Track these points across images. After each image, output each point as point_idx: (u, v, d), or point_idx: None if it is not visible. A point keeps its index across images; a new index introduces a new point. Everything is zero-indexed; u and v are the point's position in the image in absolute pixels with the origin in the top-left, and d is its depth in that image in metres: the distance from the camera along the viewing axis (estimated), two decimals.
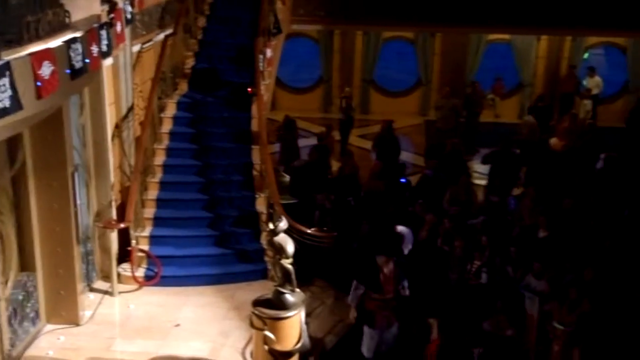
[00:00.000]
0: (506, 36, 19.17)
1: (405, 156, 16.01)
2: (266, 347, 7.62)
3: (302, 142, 15.43)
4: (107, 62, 9.67)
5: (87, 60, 8.10)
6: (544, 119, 16.68)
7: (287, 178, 13.75)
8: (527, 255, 10.02)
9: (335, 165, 14.34)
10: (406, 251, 10.72)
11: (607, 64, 20.10)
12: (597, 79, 18.17)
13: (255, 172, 11.05)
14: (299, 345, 7.78)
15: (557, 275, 9.60)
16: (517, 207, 11.80)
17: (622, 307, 8.78)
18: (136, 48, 10.91)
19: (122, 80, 10.25)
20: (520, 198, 12.30)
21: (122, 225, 9.97)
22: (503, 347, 9.32)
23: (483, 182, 13.89)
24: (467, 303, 10.18)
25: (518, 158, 13.70)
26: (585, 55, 19.57)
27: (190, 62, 12.65)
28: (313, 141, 15.19)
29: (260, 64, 11.88)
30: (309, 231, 10.04)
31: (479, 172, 14.63)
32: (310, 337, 8.38)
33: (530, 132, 15.41)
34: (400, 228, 10.91)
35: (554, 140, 14.86)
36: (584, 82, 18.30)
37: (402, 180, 13.13)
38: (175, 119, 11.60)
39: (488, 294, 10.06)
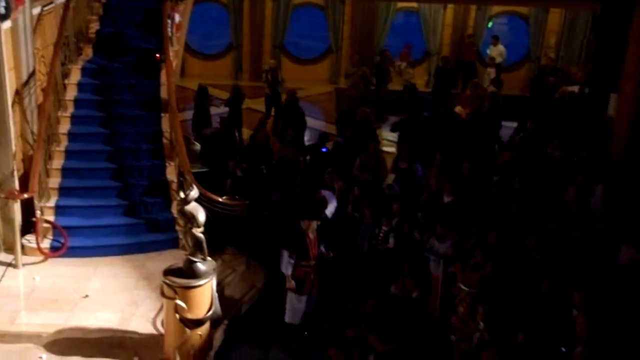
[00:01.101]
0: (414, 4, 19.39)
1: (317, 124, 16.13)
2: (177, 316, 7.67)
3: (214, 110, 15.27)
4: (5, 25, 9.33)
5: None
6: (449, 82, 17.21)
7: (198, 146, 13.63)
8: (433, 220, 10.32)
9: (246, 134, 14.30)
10: (329, 214, 10.84)
11: (510, 33, 20.66)
12: (501, 47, 18.63)
13: (165, 141, 10.90)
14: (210, 313, 7.88)
15: (461, 239, 9.93)
16: (424, 173, 12.08)
17: (524, 269, 9.13)
18: (36, 11, 10.51)
19: (22, 44, 9.87)
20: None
21: (25, 196, 9.67)
22: (410, 309, 9.64)
23: (392, 149, 14.15)
24: (375, 268, 10.46)
25: (425, 125, 13.96)
26: (489, 24, 20.05)
27: (94, 27, 12.28)
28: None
29: (169, 29, 11.65)
30: (220, 200, 10.00)
31: (389, 139, 14.87)
32: (222, 305, 8.44)
33: None
34: (324, 192, 11.04)
35: (458, 108, 15.23)
36: (488, 51, 18.78)
37: (323, 149, 13.25)
38: (80, 86, 11.26)
39: (395, 258, 10.35)
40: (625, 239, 8.95)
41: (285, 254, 9.29)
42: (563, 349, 7.66)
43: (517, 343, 7.86)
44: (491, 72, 18.01)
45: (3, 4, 8.34)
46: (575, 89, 15.52)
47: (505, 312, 8.44)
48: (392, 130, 14.38)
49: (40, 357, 7.94)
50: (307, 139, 14.75)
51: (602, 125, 12.72)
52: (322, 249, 9.54)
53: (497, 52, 18.57)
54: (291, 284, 9.27)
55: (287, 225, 10.01)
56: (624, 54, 11.72)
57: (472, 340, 8.41)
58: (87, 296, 9.05)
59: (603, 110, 13.11)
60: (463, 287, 9.09)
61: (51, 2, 11.03)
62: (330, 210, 10.93)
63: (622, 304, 7.99)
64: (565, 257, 9.11)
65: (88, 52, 11.84)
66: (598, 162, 11.18)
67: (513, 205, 10.14)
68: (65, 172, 10.51)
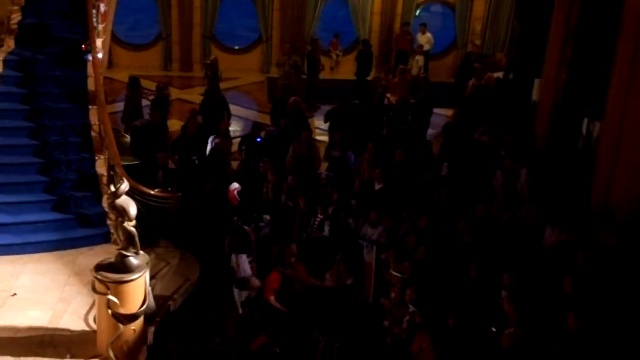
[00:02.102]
0: None
1: (250, 114, 16.05)
2: (110, 312, 7.59)
3: (145, 102, 15.01)
4: None
5: None
6: (367, 63, 17.56)
7: (128, 139, 13.41)
8: (366, 207, 10.41)
9: (176, 125, 14.11)
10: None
11: (437, 21, 20.96)
12: (429, 35, 18.93)
13: (94, 134, 10.64)
14: (144, 307, 7.81)
15: (393, 226, 10.04)
16: (357, 161, 12.15)
17: (456, 253, 9.28)
18: None
19: None
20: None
21: None
22: (344, 296, 9.71)
23: (325, 137, 14.20)
24: (310, 256, 10.49)
25: (356, 114, 14.05)
26: (417, 13, 20.30)
27: (16, 17, 11.84)
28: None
29: (94, 20, 11.36)
30: (152, 192, 9.88)
31: (321, 128, 14.90)
32: (156, 299, 8.36)
33: None
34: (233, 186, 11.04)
35: (389, 95, 15.38)
36: (417, 39, 19.00)
37: (258, 139, 13.21)
38: (3, 78, 10.89)
39: (329, 246, 10.41)
40: (550, 221, 9.16)
41: (243, 257, 9.37)
42: (494, 330, 7.82)
43: (448, 327, 7.99)
44: (420, 59, 18.26)
45: None
46: (501, 75, 15.87)
47: (436, 296, 8.58)
48: (326, 120, 14.37)
49: None
50: (239, 129, 14.67)
51: (526, 110, 13.02)
52: None
53: (425, 39, 18.85)
54: (256, 282, 9.45)
55: (232, 229, 10.16)
56: (546, 40, 12.00)
57: (403, 323, 8.54)
58: (15, 294, 8.82)
59: (527, 96, 13.43)
60: (395, 273, 9.21)
61: None
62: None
63: (549, 285, 8.20)
64: (494, 240, 9.30)
65: (10, 43, 11.44)
66: (523, 146, 11.45)
67: (442, 191, 10.28)
68: None
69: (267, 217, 10.88)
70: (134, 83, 14.63)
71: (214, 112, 14.01)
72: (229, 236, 10.30)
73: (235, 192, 10.97)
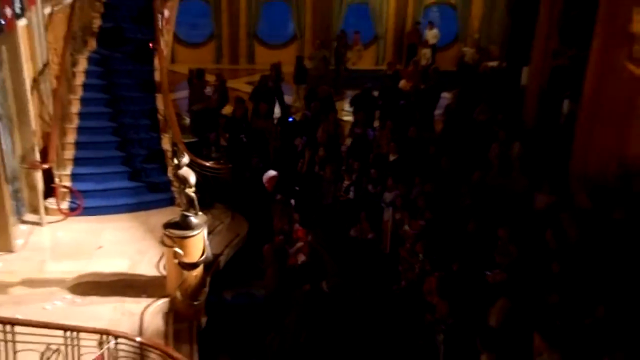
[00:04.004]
0: None
1: (286, 99, 15.96)
2: (176, 261, 7.67)
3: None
4: (22, 23, 9.07)
5: (2, 22, 7.53)
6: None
7: (187, 120, 13.50)
8: (384, 175, 10.40)
9: (227, 109, 14.11)
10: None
11: (442, 19, 20.59)
12: (435, 31, 18.61)
13: (159, 116, 10.72)
14: (203, 257, 7.88)
15: (406, 190, 10.03)
16: (374, 136, 12.12)
17: (459, 212, 9.25)
18: (47, 10, 10.19)
19: (36, 39, 9.61)
20: (378, 130, 12.65)
21: (45, 166, 9.51)
22: (366, 248, 9.76)
23: (350, 117, 14.14)
24: (338, 215, 10.55)
25: (375, 98, 13.96)
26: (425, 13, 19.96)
27: (97, 22, 11.96)
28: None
29: (160, 22, 11.40)
30: (208, 164, 9.95)
31: (346, 110, 14.83)
32: (212, 250, 8.46)
33: None
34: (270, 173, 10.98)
35: (402, 82, 15.20)
36: (425, 34, 18.74)
37: (290, 119, 13.19)
38: (87, 73, 10.99)
39: (354, 207, 10.45)
40: (540, 187, 9.06)
41: None
42: (488, 273, 7.83)
43: (452, 271, 8.03)
44: (427, 52, 18.00)
45: (18, 4, 8.08)
46: (495, 63, 15.61)
47: (443, 247, 8.59)
48: (350, 105, 14.26)
49: (65, 298, 7.92)
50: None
51: (517, 93, 12.83)
52: None
53: (432, 35, 18.56)
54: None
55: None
56: (533, 33, 11.79)
57: (415, 269, 8.58)
58: (101, 247, 9.01)
59: (517, 81, 13.23)
60: (407, 229, 9.24)
61: (59, 3, 10.72)
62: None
63: (537, 238, 8.14)
64: (490, 201, 9.24)
65: (92, 44, 11.56)
66: (514, 123, 11.32)
67: (444, 160, 10.21)
68: (78, 145, 10.33)
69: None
70: (199, 73, 14.58)
71: (265, 98, 13.86)
72: (274, 207, 10.20)
73: (270, 179, 10.80)
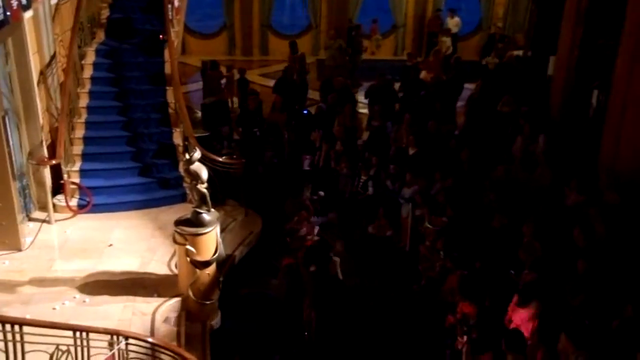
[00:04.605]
0: None
1: None
2: (188, 259, 7.73)
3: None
4: (28, 14, 9.15)
5: (8, 13, 7.63)
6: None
7: (199, 114, 13.56)
8: (403, 170, 10.38)
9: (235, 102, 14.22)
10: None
11: (464, 6, 20.48)
12: (457, 19, 18.50)
13: (170, 110, 10.80)
14: (215, 255, 7.92)
15: (426, 185, 10.01)
16: (393, 130, 12.09)
17: (482, 207, 9.21)
18: (54, 1, 10.29)
19: (43, 31, 9.70)
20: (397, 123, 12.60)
21: (53, 162, 9.65)
22: (384, 246, 9.77)
23: (367, 110, 14.08)
24: (356, 212, 10.56)
25: (392, 90, 13.91)
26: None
27: (105, 13, 12.04)
28: None
29: (170, 13, 11.46)
30: (220, 159, 10.01)
31: (363, 102, 14.82)
32: (225, 248, 8.51)
33: None
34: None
35: (423, 74, 15.16)
36: (446, 22, 18.63)
37: (304, 111, 13.20)
38: (95, 65, 11.09)
39: (372, 203, 10.45)
40: (567, 183, 8.98)
41: None
42: (512, 272, 7.80)
43: (475, 269, 8.00)
44: (447, 40, 17.88)
45: None
46: (520, 53, 15.48)
47: (464, 244, 8.57)
48: (366, 96, 14.23)
49: (74, 297, 8.02)
50: None
51: (543, 83, 12.74)
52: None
53: (453, 23, 18.46)
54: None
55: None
56: (560, 21, 11.68)
57: (436, 268, 8.57)
58: (111, 245, 9.11)
59: (544, 71, 13.12)
60: (429, 225, 9.23)
61: None
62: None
63: (565, 236, 8.08)
64: (514, 197, 9.19)
65: (101, 35, 11.65)
66: (540, 115, 11.23)
67: (464, 153, 10.17)
68: (86, 140, 10.45)
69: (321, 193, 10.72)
70: (214, 65, 14.62)
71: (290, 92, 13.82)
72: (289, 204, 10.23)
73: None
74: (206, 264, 7.81)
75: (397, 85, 14.13)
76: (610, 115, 9.46)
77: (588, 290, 6.76)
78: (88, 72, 10.99)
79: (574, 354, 5.87)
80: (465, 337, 7.31)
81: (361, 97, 14.75)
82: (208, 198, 7.81)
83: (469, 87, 14.29)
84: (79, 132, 10.45)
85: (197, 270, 7.77)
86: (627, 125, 8.98)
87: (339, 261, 8.84)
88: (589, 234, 7.56)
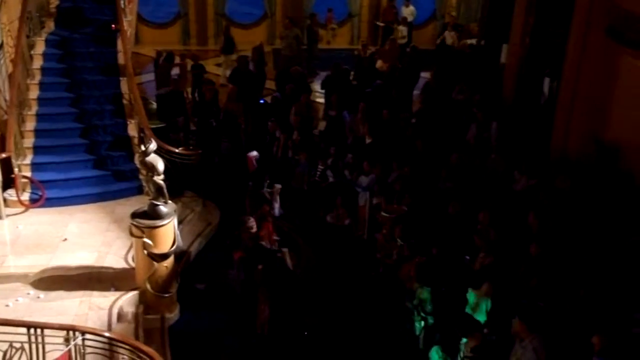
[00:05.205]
0: None
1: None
2: (145, 252, 7.66)
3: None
4: None
5: None
6: None
7: (154, 105, 13.37)
8: (360, 159, 10.44)
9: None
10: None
11: None
12: (411, 8, 18.61)
13: (125, 101, 10.61)
14: (173, 247, 7.87)
15: (383, 174, 10.09)
16: (351, 119, 12.13)
17: (438, 195, 9.33)
18: None
19: None
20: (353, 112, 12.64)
21: (3, 155, 9.37)
22: (342, 235, 9.81)
23: (323, 99, 14.10)
24: (313, 201, 10.58)
25: (349, 79, 13.93)
26: None
27: (54, 2, 11.70)
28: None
29: (122, 2, 11.22)
30: (176, 150, 9.90)
31: (319, 91, 14.81)
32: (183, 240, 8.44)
33: None
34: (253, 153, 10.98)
35: (379, 63, 15.23)
36: (401, 11, 18.73)
37: (261, 100, 13.12)
38: (45, 55, 10.80)
39: (330, 192, 10.48)
40: (519, 168, 9.15)
41: None
42: (467, 257, 7.94)
43: (431, 255, 8.11)
44: (402, 29, 18.00)
45: None
46: (474, 41, 15.69)
47: (421, 231, 8.67)
48: (322, 87, 14.18)
49: (28, 294, 7.85)
50: None
51: (496, 71, 12.94)
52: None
53: (408, 12, 18.56)
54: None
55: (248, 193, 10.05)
56: (512, 10, 11.87)
57: (393, 255, 8.66)
58: (65, 239, 8.94)
59: (496, 59, 13.33)
60: (385, 214, 9.30)
61: None
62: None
63: (517, 221, 8.25)
64: (469, 183, 9.33)
65: (50, 25, 11.33)
66: (493, 102, 11.42)
67: (419, 142, 10.26)
68: (38, 132, 10.19)
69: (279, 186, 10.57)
70: (169, 57, 14.38)
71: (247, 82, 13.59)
72: (247, 198, 10.12)
73: (254, 159, 10.88)
74: (164, 256, 7.76)
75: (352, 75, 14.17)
76: (561, 102, 9.68)
77: (541, 274, 6.93)
78: (38, 63, 10.71)
79: (528, 337, 6.01)
80: (422, 322, 7.44)
81: (317, 87, 14.72)
82: (165, 190, 7.74)
83: (425, 75, 14.41)
84: (30, 125, 10.20)
85: (155, 263, 7.70)
86: (577, 112, 9.21)
87: (287, 251, 8.87)
88: (542, 219, 7.74)
